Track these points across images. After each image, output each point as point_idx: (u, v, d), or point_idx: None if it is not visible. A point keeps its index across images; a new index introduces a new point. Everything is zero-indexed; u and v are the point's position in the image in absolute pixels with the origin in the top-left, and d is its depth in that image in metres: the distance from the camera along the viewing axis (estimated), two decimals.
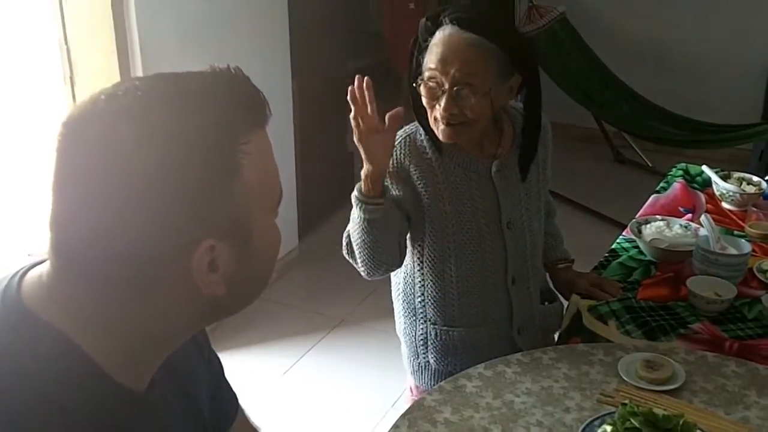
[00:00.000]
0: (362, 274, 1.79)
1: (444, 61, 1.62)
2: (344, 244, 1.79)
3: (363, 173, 1.65)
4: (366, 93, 1.59)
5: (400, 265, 1.83)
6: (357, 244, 1.72)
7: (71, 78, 2.73)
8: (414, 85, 1.69)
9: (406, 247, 1.81)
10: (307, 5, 3.72)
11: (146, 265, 0.78)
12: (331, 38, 4.05)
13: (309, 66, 3.78)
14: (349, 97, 1.60)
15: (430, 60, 1.65)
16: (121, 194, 0.75)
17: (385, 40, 5.64)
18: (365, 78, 1.59)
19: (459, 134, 1.69)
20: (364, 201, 1.66)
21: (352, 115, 1.60)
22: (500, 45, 1.63)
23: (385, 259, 1.75)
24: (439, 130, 1.68)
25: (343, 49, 4.25)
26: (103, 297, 0.79)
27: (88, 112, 0.77)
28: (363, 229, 1.68)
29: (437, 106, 1.66)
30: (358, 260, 1.76)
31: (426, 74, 1.66)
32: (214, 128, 0.78)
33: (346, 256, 1.81)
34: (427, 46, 1.66)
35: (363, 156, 1.63)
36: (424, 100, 1.68)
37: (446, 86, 1.63)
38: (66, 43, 2.70)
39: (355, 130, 1.61)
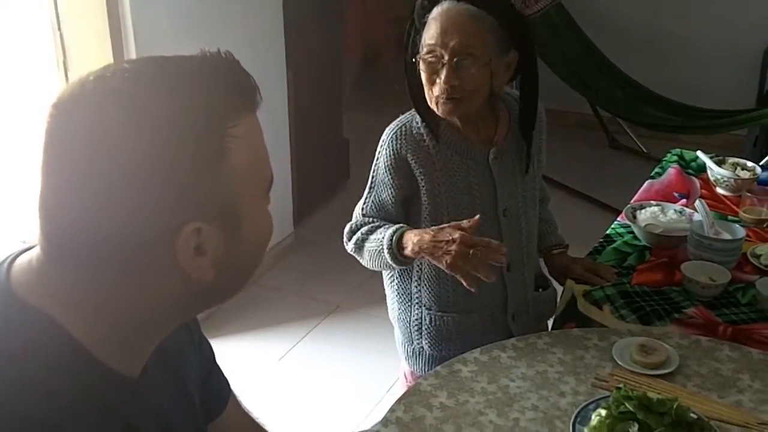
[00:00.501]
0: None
1: (444, 34, 1.61)
2: (351, 241, 1.82)
3: (418, 252, 1.65)
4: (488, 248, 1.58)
5: None
6: (372, 264, 1.79)
7: (64, 63, 2.72)
8: (413, 60, 1.67)
9: None
10: None
11: (134, 249, 0.77)
12: (326, 26, 4.03)
13: (304, 53, 3.76)
14: (488, 260, 1.57)
15: (429, 35, 1.64)
16: (106, 176, 0.74)
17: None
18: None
19: (458, 108, 1.68)
20: (400, 259, 1.71)
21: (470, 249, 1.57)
22: (498, 18, 1.62)
23: None
24: (439, 104, 1.67)
25: (340, 37, 4.23)
26: (93, 281, 0.79)
27: (76, 93, 0.77)
28: (385, 264, 1.75)
29: (437, 81, 1.65)
30: (366, 266, 1.83)
31: (425, 49, 1.64)
32: (201, 111, 0.77)
33: (352, 253, 1.84)
34: (425, 23, 1.65)
35: (430, 257, 1.64)
36: (423, 77, 1.67)
37: (446, 58, 1.62)
38: (59, 29, 2.68)
39: (458, 254, 1.58)
